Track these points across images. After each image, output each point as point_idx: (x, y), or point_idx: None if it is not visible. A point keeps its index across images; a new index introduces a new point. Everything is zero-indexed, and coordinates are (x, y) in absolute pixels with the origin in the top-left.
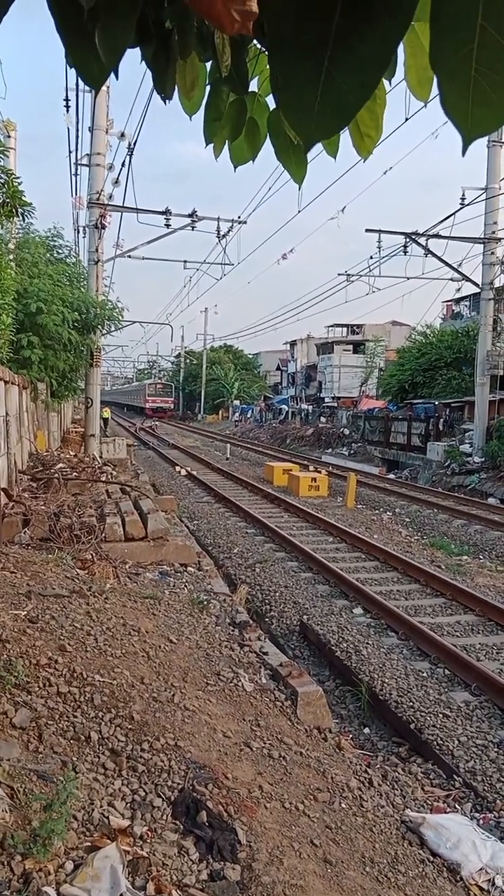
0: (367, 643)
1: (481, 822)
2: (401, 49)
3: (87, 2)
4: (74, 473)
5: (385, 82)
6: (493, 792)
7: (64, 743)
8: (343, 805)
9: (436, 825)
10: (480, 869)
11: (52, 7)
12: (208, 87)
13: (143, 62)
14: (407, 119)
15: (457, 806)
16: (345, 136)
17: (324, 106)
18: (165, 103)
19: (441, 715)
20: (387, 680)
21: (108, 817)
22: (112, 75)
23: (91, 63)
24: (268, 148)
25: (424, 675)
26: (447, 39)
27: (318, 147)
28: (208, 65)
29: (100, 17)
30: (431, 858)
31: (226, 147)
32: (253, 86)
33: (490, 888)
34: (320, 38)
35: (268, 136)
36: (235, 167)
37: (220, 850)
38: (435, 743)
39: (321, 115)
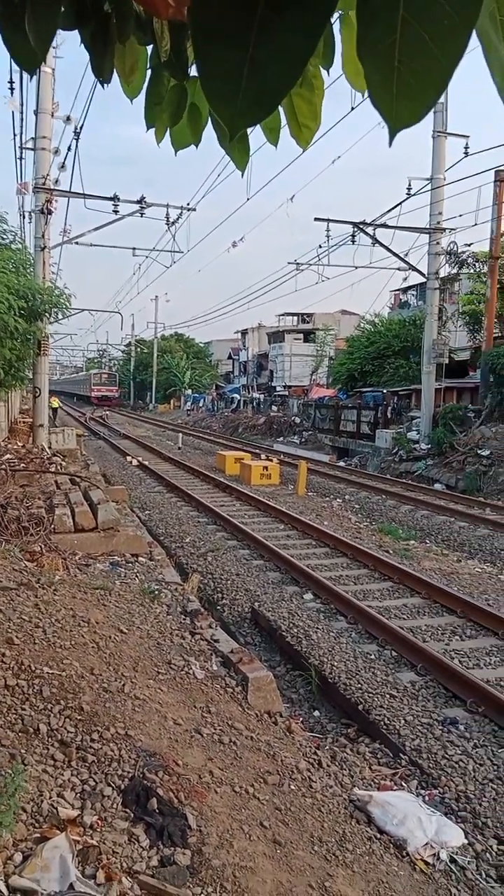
0: (317, 628)
1: (426, 798)
2: (339, 40)
3: None
4: (22, 464)
5: (324, 72)
6: (437, 769)
7: (12, 735)
8: (292, 787)
9: (382, 803)
10: (426, 844)
11: None
12: (149, 72)
13: (82, 45)
14: (353, 108)
15: (403, 784)
16: None
17: (248, 94)
18: (103, 87)
19: (388, 696)
20: (336, 663)
21: (57, 808)
22: (54, 58)
23: (25, 46)
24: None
25: (372, 657)
26: (371, 31)
27: (263, 135)
28: (149, 49)
29: (27, 1)
30: (378, 836)
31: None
32: (194, 71)
33: (435, 862)
34: (244, 25)
35: (210, 123)
36: (176, 151)
37: (171, 835)
38: (382, 723)
39: (245, 102)
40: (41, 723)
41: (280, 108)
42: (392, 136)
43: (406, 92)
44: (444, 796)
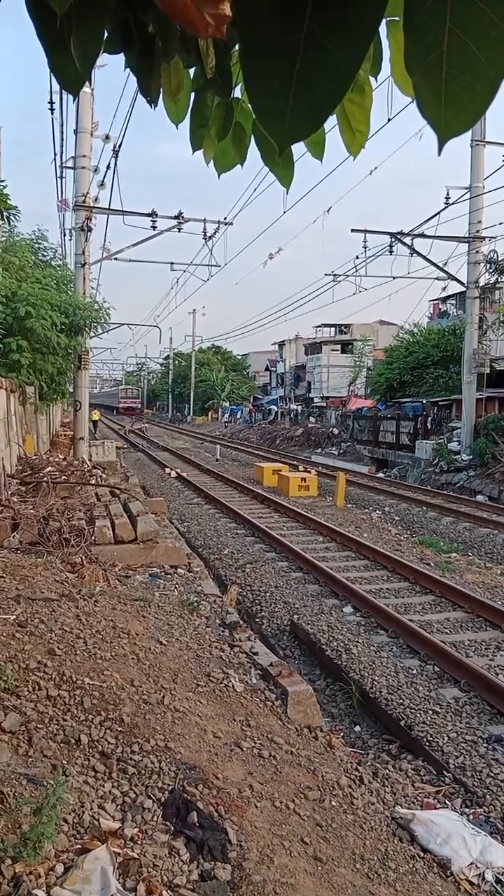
0: (358, 641)
1: (471, 817)
2: (386, 46)
3: (60, 7)
4: (63, 477)
5: (371, 79)
6: (482, 787)
7: (54, 746)
8: (333, 803)
9: (426, 821)
10: (470, 864)
11: (31, 12)
12: (193, 94)
13: (127, 67)
14: (389, 119)
15: (447, 802)
16: (331, 136)
17: (296, 109)
18: (152, 108)
19: (431, 712)
20: (377, 678)
21: (98, 820)
22: (94, 78)
23: (69, 68)
24: (252, 149)
25: (414, 672)
26: (419, 43)
27: (303, 148)
28: (193, 70)
29: (72, 24)
30: (422, 854)
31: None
32: (238, 92)
33: (480, 882)
34: (291, 40)
35: (253, 141)
36: (220, 174)
37: (211, 850)
38: (425, 739)
39: (294, 118)
40: (82, 734)
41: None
42: (441, 145)
43: (454, 102)
44: (489, 815)
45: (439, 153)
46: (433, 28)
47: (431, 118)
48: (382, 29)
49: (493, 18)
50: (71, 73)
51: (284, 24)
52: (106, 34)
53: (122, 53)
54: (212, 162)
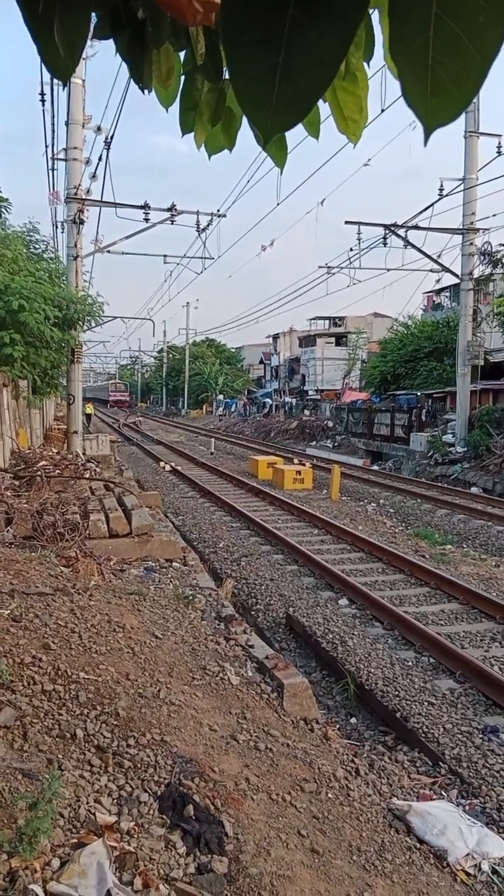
0: (353, 634)
1: (467, 808)
2: (378, 31)
3: None
4: (57, 471)
5: (364, 65)
6: (478, 778)
7: (49, 741)
8: (330, 795)
9: (422, 812)
10: (467, 854)
11: (19, 1)
12: (183, 77)
13: (118, 54)
14: (383, 110)
15: (443, 793)
16: (327, 127)
17: (281, 97)
18: (145, 93)
19: (426, 703)
20: (372, 670)
21: (94, 814)
22: (85, 69)
23: (58, 55)
24: (244, 140)
25: (410, 663)
26: (404, 29)
27: (302, 132)
28: (183, 55)
29: (55, 10)
30: (418, 845)
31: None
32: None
33: (476, 873)
34: (275, 29)
35: (245, 124)
36: (210, 156)
37: (208, 843)
38: (421, 731)
39: (279, 106)
40: (78, 728)
41: (324, 103)
42: (427, 135)
43: (441, 90)
44: (485, 806)
45: (425, 143)
46: (419, 13)
47: (417, 107)
48: (375, 15)
49: (481, 3)
50: (60, 60)
51: (268, 10)
52: (95, 20)
53: (112, 40)
54: (203, 146)
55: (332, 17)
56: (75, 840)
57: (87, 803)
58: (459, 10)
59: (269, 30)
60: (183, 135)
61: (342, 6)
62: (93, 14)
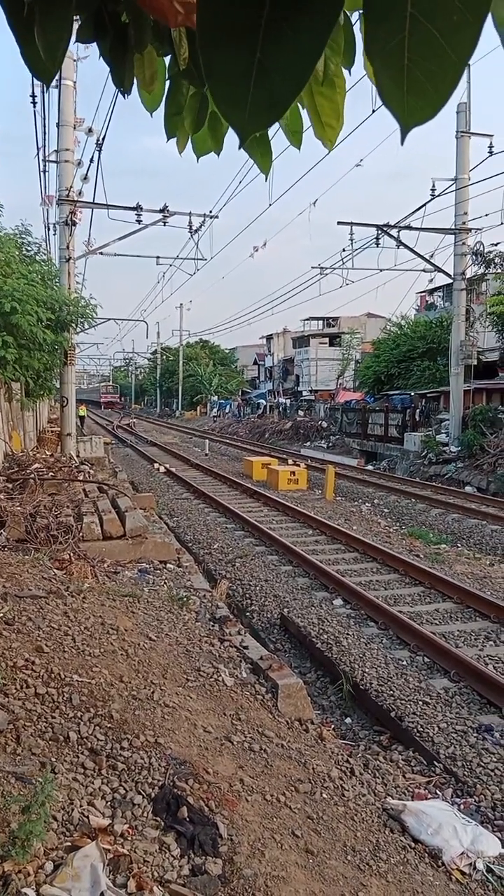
0: (348, 634)
1: (462, 807)
2: (359, 37)
3: None
4: (51, 473)
5: (344, 71)
6: (472, 777)
7: (42, 744)
8: (324, 795)
9: (417, 812)
10: (461, 853)
11: (1, 2)
12: (168, 82)
13: (101, 57)
14: (374, 111)
15: (438, 792)
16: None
17: (257, 98)
18: (125, 97)
19: (421, 702)
20: (367, 670)
21: (87, 817)
22: (76, 70)
23: (40, 58)
24: (236, 141)
25: (404, 663)
26: (379, 29)
27: (284, 139)
28: (168, 59)
29: (35, 14)
30: (413, 845)
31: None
32: None
33: (471, 871)
34: (250, 29)
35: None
36: (198, 158)
37: (202, 844)
38: (415, 730)
39: (255, 107)
40: (71, 731)
41: (303, 110)
42: (404, 134)
43: (417, 89)
44: (479, 805)
45: (402, 142)
46: (395, 13)
47: (394, 107)
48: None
49: (456, 3)
50: (42, 63)
51: (244, 10)
52: (79, 24)
53: (96, 43)
54: (189, 150)
55: (308, 17)
56: (69, 843)
57: (81, 806)
58: (434, 11)
59: (245, 30)
60: (168, 139)
61: (318, 6)
62: (77, 17)
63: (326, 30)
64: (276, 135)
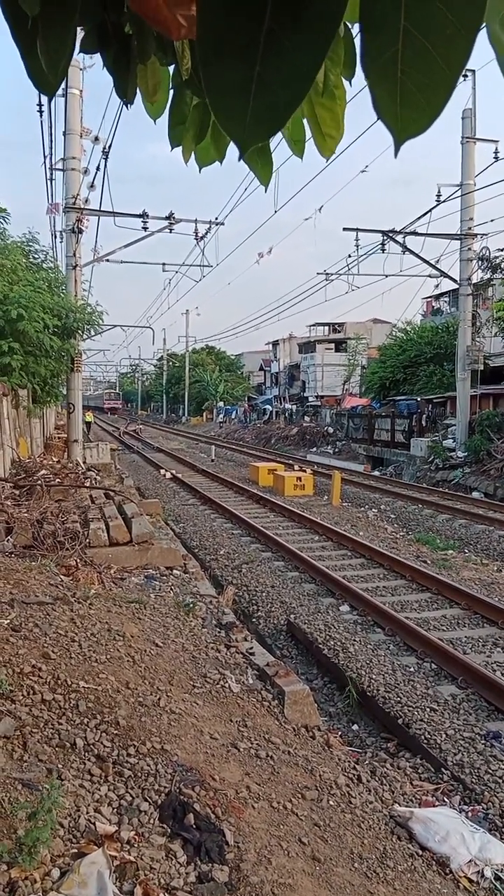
0: (355, 640)
1: (469, 814)
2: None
3: (31, 9)
4: (57, 480)
5: (345, 82)
6: (480, 784)
7: (49, 750)
8: (331, 802)
9: (424, 819)
10: (469, 861)
11: (4, 13)
12: (172, 91)
13: (105, 68)
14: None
15: (445, 799)
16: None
17: (257, 110)
18: (127, 107)
19: (428, 709)
20: (374, 676)
21: (94, 823)
22: (83, 79)
23: (42, 70)
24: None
25: (411, 669)
26: (374, 41)
27: (287, 147)
28: (171, 69)
29: (38, 27)
30: (420, 852)
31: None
32: None
33: (479, 879)
34: (250, 42)
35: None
36: (200, 168)
37: (208, 851)
38: (423, 737)
39: (254, 119)
40: (78, 737)
41: (304, 120)
42: (397, 147)
43: (410, 102)
44: (487, 812)
45: (395, 154)
46: (388, 26)
47: (387, 119)
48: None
49: (449, 17)
50: (44, 75)
51: (244, 23)
52: (83, 35)
53: (100, 54)
54: (195, 161)
55: (307, 32)
56: (75, 850)
57: (87, 813)
58: (427, 24)
59: (245, 44)
60: (172, 149)
61: (318, 19)
62: (81, 28)
63: (325, 43)
64: (279, 145)
